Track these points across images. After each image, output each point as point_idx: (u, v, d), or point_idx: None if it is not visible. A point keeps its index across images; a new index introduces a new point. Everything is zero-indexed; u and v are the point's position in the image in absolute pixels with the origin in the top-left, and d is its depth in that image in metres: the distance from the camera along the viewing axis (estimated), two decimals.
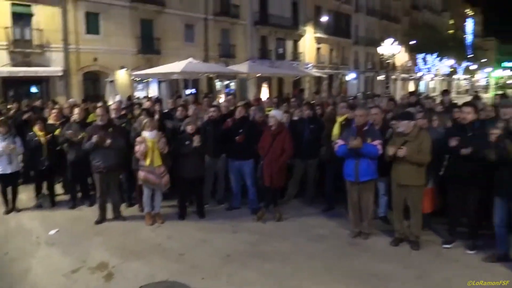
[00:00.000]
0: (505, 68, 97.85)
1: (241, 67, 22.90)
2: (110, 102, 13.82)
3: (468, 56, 64.53)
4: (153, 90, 23.91)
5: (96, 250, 5.75)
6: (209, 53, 27.75)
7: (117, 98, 16.11)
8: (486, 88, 77.55)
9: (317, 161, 7.43)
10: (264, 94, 29.65)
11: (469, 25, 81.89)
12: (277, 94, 29.10)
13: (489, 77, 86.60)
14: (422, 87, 56.10)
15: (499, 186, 5.00)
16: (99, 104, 9.27)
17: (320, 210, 7.27)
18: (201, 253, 5.66)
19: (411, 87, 54.96)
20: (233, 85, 29.62)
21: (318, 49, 39.53)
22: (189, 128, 6.72)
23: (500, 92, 17.40)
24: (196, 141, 6.58)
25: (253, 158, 7.09)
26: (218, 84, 27.19)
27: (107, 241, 6.07)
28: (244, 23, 30.54)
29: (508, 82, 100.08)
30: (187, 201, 7.25)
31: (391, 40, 29.06)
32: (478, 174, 5.23)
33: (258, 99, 12.89)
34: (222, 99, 19.37)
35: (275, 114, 6.83)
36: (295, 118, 7.82)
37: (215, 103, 10.20)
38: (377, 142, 5.61)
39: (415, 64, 52.53)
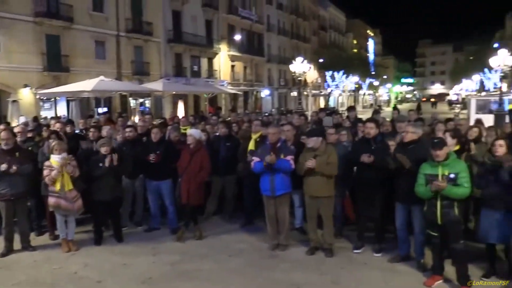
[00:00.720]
0: (403, 84, 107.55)
1: (156, 85, 22.60)
2: (14, 124, 12.88)
3: (371, 73, 69.85)
4: (62, 110, 22.64)
5: (2, 286, 5.33)
6: (121, 71, 27.00)
7: (22, 119, 15.04)
8: (388, 102, 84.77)
9: (235, 177, 7.61)
10: (180, 111, 29.47)
11: (371, 44, 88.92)
12: (193, 111, 29.08)
13: (390, 92, 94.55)
14: (331, 102, 59.61)
15: (398, 192, 5.54)
16: (2, 126, 8.62)
17: (239, 225, 7.43)
18: (120, 278, 5.49)
19: (322, 102, 58.15)
20: (148, 103, 29.04)
21: (233, 66, 40.33)
22: (104, 150, 6.53)
23: (393, 107, 19.53)
24: (114, 159, 6.44)
25: (170, 177, 7.07)
26: (132, 102, 26.50)
27: (15, 275, 5.64)
28: (158, 40, 30.22)
29: (407, 96, 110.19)
30: (103, 225, 6.99)
31: (301, 58, 30.54)
32: (381, 182, 5.76)
33: (173, 118, 12.86)
34: (136, 117, 18.97)
35: (193, 133, 6.90)
36: (217, 134, 8.00)
37: (130, 122, 10.00)
38: (289, 158, 5.94)
39: (324, 80, 55.72)
